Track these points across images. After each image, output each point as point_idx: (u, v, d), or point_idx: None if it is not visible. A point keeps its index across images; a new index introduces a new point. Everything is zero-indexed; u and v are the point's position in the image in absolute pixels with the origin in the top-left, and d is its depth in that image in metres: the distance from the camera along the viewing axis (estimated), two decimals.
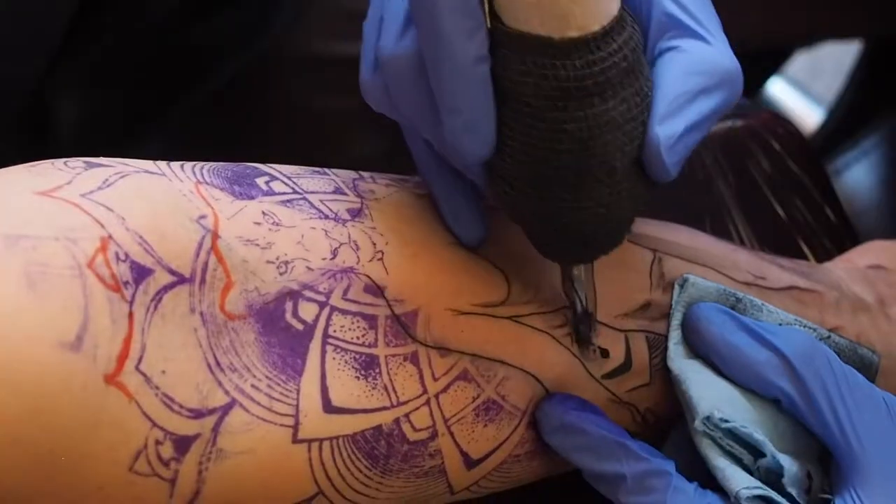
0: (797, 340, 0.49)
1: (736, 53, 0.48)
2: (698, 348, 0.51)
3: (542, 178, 0.44)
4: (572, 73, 0.42)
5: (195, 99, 0.83)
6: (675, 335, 0.51)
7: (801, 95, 1.34)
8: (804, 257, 0.70)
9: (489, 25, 0.43)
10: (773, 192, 0.72)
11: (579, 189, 0.44)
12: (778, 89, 1.35)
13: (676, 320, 0.52)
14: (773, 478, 0.48)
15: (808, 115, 1.29)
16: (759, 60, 1.18)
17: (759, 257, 0.60)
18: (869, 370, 0.56)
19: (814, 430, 0.49)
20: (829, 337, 0.55)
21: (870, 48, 1.09)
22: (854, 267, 0.63)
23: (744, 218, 0.71)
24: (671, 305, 0.52)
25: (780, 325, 0.53)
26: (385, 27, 0.46)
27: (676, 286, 0.52)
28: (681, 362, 0.50)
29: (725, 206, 0.71)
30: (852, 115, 1.09)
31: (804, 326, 0.54)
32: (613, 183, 0.44)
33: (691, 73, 0.45)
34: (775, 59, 1.22)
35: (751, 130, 0.73)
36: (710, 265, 0.56)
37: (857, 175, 1.01)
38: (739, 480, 0.47)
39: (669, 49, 0.46)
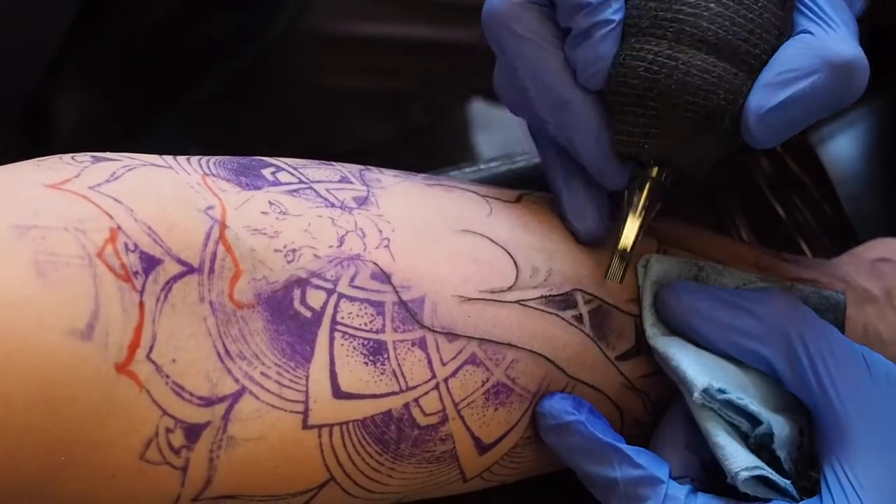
0: (773, 303, 0.49)
1: None
2: (675, 325, 0.51)
3: (664, 17, 0.48)
4: None
5: (195, 99, 0.84)
6: (648, 316, 0.51)
7: None
8: (804, 256, 0.70)
9: None
10: (773, 191, 0.72)
11: (678, 46, 0.48)
12: None
13: (647, 301, 0.52)
14: (767, 440, 0.48)
15: None
16: None
17: (763, 251, 0.60)
18: (837, 310, 0.56)
19: (796, 392, 0.49)
20: (791, 287, 0.55)
21: (865, 34, 1.10)
22: (860, 261, 0.63)
23: (744, 217, 0.71)
24: (639, 287, 0.52)
25: (744, 284, 0.54)
26: None
27: (640, 268, 0.52)
28: (662, 340, 0.51)
29: (725, 205, 0.71)
30: None
31: (765, 282, 0.54)
32: (710, 56, 0.47)
33: (807, 53, 0.47)
34: None
35: None
36: (713, 257, 0.56)
37: (841, 144, 1.02)
38: (738, 461, 0.47)
39: (797, 32, 0.49)
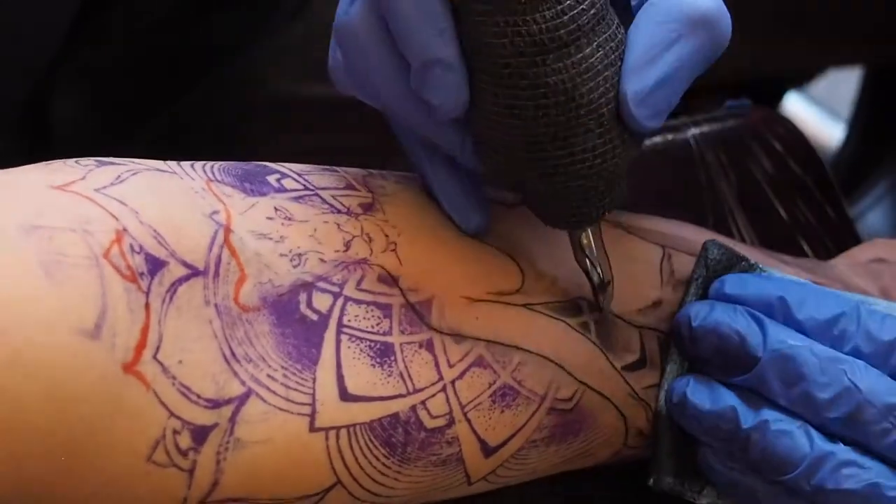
0: None
1: (759, 74, 0.48)
2: None
3: (535, 139, 0.45)
4: (544, 26, 0.43)
5: (195, 99, 0.84)
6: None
7: (819, 111, 1.35)
8: (806, 257, 0.70)
9: None
10: (775, 192, 0.72)
11: (572, 143, 0.45)
12: (795, 105, 1.36)
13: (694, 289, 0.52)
14: None
15: (827, 129, 1.30)
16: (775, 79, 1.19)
17: (764, 253, 0.60)
18: None
19: None
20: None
21: (869, 83, 1.10)
22: (857, 262, 0.64)
23: (745, 218, 0.71)
24: (693, 271, 0.53)
25: None
26: (341, 2, 0.47)
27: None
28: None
29: (727, 206, 0.71)
30: (859, 161, 1.10)
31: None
32: (604, 131, 0.45)
33: (664, 20, 0.45)
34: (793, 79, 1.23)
35: (752, 130, 0.73)
36: None
37: (872, 222, 1.01)
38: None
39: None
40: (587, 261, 0.49)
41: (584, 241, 0.49)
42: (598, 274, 0.49)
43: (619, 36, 0.45)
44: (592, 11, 0.44)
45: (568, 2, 0.43)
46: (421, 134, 0.49)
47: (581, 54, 0.44)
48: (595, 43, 0.44)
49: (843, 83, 1.23)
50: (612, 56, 0.45)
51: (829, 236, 0.72)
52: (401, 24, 0.44)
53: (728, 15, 0.45)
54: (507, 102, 0.44)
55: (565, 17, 0.43)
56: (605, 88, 0.45)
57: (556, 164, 0.45)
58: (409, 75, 0.45)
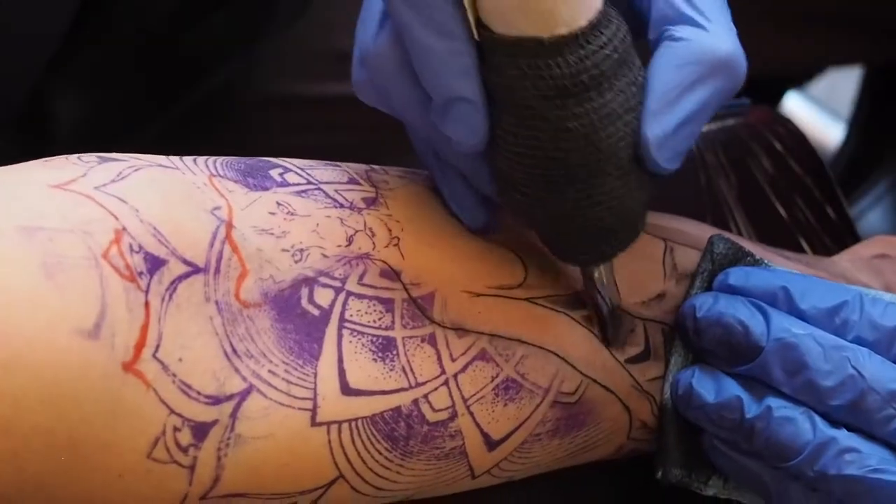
0: None
1: (757, 74, 0.48)
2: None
3: (554, 180, 0.45)
4: (566, 71, 0.43)
5: (195, 98, 0.84)
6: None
7: (819, 111, 1.36)
8: None
9: (477, 37, 0.44)
10: (775, 191, 0.72)
11: (591, 185, 0.45)
12: (795, 105, 1.36)
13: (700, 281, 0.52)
14: None
15: (827, 129, 1.30)
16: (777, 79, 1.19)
17: (764, 248, 0.60)
18: None
19: None
20: None
21: (869, 83, 1.11)
22: (860, 258, 0.64)
23: (745, 217, 0.71)
24: (698, 265, 0.53)
25: None
26: (364, 24, 0.47)
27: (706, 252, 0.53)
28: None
29: (727, 205, 0.71)
30: (859, 161, 1.10)
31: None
32: (623, 174, 0.45)
33: (684, 63, 0.45)
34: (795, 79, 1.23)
35: (752, 130, 0.73)
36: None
37: (872, 221, 1.02)
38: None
39: (665, 38, 0.46)
40: (597, 294, 0.49)
41: (596, 275, 0.49)
42: (607, 304, 0.49)
43: (640, 80, 0.45)
44: (616, 56, 0.43)
45: (591, 46, 0.43)
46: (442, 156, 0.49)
47: (602, 99, 0.43)
48: (616, 87, 0.44)
49: (843, 83, 1.23)
50: (633, 101, 0.44)
51: (829, 236, 0.72)
52: (423, 61, 0.44)
53: (744, 56, 0.45)
54: (528, 143, 0.44)
55: (588, 62, 0.43)
56: (625, 133, 0.44)
57: (575, 206, 0.45)
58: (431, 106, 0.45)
